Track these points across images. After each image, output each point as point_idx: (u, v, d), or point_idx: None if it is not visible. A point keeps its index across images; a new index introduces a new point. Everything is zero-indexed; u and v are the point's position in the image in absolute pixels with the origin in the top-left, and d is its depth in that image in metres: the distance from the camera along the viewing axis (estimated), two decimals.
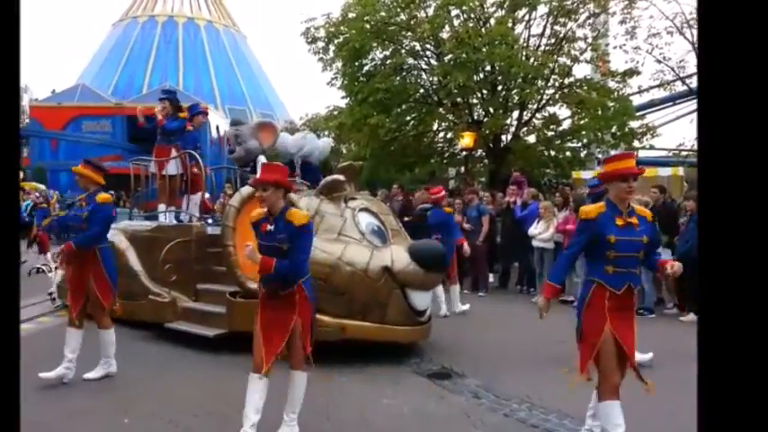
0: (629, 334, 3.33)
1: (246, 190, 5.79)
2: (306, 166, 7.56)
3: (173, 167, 7.62)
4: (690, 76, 16.16)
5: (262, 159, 6.88)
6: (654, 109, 20.16)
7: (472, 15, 15.20)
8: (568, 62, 15.06)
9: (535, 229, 9.07)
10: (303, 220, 3.61)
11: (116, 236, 6.99)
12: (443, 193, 8.29)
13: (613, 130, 14.98)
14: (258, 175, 3.80)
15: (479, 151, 16.57)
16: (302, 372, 3.74)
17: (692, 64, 15.57)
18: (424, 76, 16.31)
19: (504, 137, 15.96)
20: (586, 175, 11.98)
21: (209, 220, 7.14)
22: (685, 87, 16.86)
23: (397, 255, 5.60)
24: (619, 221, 3.27)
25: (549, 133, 16.03)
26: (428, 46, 15.64)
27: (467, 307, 8.03)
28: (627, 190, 3.26)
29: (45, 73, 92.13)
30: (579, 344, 3.41)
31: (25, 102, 37.07)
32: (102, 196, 4.96)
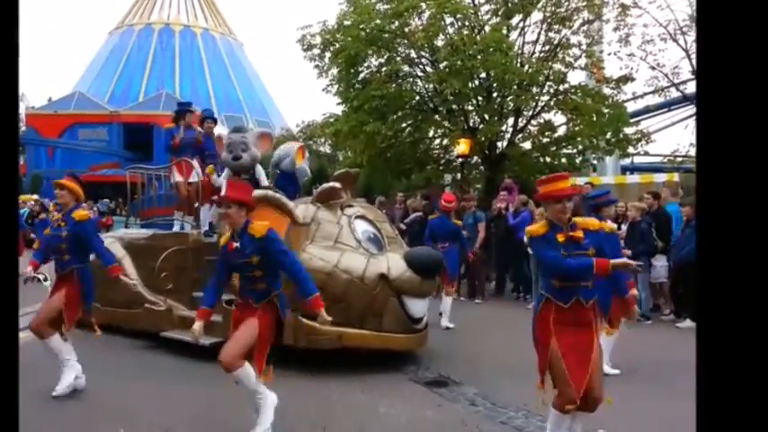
0: (581, 357, 3.24)
1: None
2: (280, 175, 7.43)
3: (195, 175, 7.81)
4: (684, 82, 16.24)
5: (260, 169, 6.89)
6: (648, 115, 20.26)
7: (467, 23, 15.27)
8: (563, 69, 15.09)
9: None
10: (262, 231, 3.78)
11: (112, 244, 6.99)
12: (455, 203, 8.19)
13: (608, 137, 15.04)
14: (224, 193, 3.90)
15: (475, 158, 16.57)
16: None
17: (685, 70, 15.65)
18: (419, 83, 16.31)
19: (499, 143, 15.97)
20: (581, 181, 12.01)
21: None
22: (679, 94, 16.95)
23: (394, 262, 5.61)
24: (560, 238, 3.34)
25: (545, 140, 16.03)
26: (423, 53, 15.68)
27: (452, 325, 7.67)
28: (562, 210, 3.36)
29: (41, 81, 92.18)
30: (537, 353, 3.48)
31: (21, 109, 37.03)
32: (80, 213, 4.79)
